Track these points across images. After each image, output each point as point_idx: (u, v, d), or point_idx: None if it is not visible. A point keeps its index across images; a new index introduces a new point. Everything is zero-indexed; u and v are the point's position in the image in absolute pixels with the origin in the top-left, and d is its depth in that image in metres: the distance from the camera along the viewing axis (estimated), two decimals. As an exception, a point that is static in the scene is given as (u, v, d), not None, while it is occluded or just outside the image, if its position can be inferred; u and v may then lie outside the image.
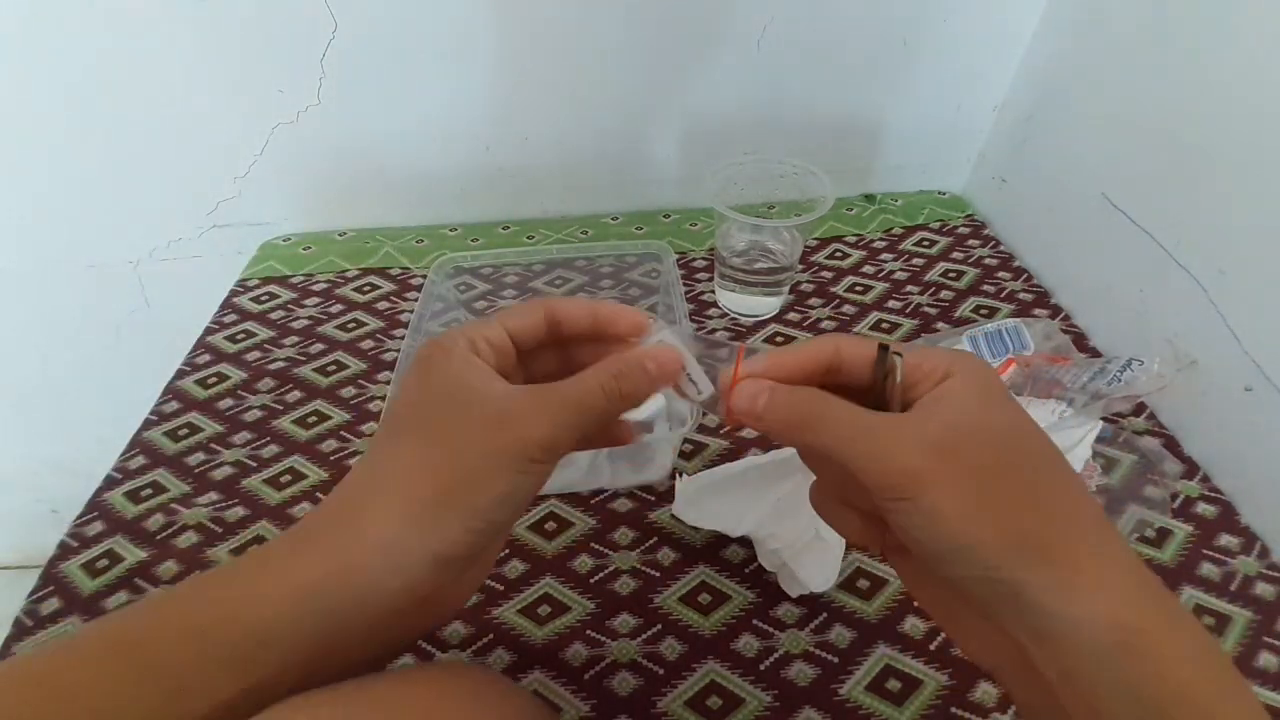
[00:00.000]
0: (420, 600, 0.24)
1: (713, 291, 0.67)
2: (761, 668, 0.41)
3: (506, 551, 0.47)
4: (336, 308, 0.67)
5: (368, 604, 0.23)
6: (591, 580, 0.46)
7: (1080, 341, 0.61)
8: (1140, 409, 0.55)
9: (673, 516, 0.48)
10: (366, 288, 0.69)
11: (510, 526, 0.26)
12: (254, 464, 0.53)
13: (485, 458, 0.24)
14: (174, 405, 0.58)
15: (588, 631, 0.43)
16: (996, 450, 0.23)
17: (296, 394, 0.58)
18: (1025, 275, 0.69)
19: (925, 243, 0.74)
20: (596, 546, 0.48)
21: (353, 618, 0.23)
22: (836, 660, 0.41)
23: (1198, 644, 0.21)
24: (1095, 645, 0.20)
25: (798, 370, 0.26)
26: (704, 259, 0.72)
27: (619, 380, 0.26)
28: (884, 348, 0.26)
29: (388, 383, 0.50)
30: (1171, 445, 0.52)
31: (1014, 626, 0.22)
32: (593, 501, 0.50)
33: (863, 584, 0.45)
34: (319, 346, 0.63)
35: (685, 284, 0.68)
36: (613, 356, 0.27)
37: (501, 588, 0.45)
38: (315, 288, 0.69)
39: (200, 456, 0.54)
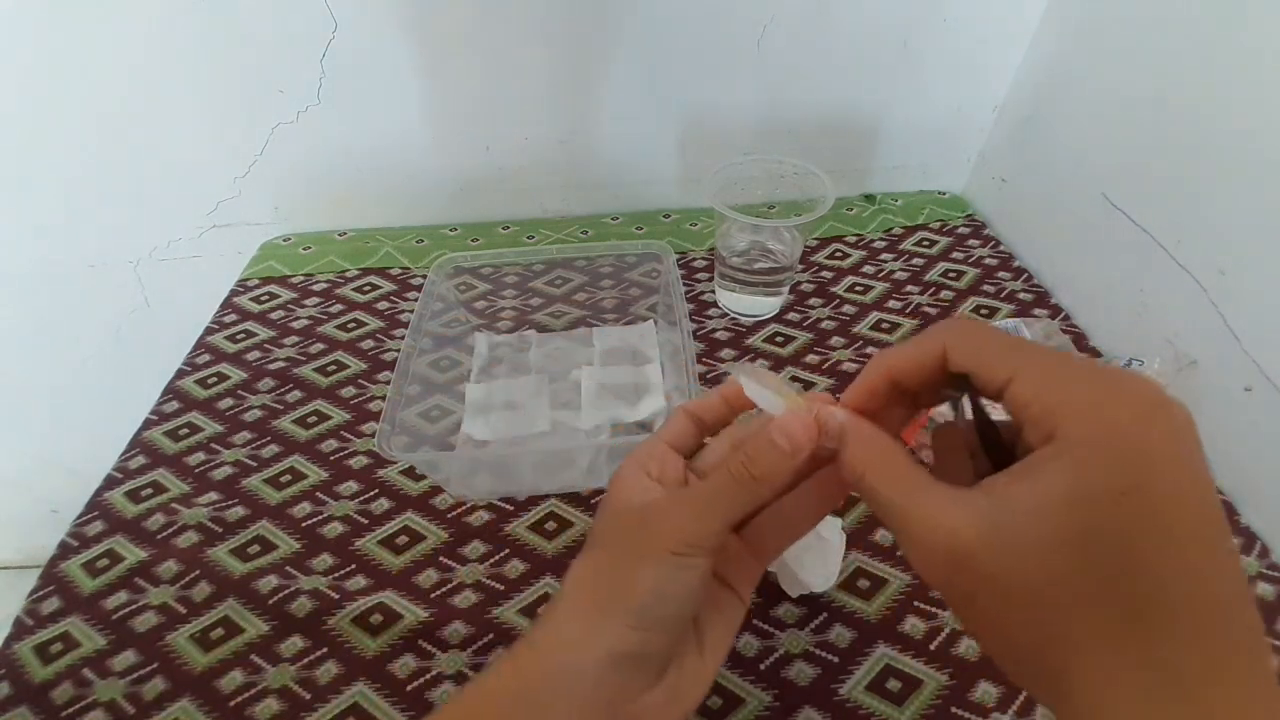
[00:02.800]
0: (612, 705, 0.25)
1: (713, 291, 0.67)
2: (761, 667, 0.41)
3: (507, 551, 0.47)
4: (336, 308, 0.67)
5: (561, 704, 0.25)
6: (591, 580, 0.46)
7: (1080, 341, 0.61)
8: (1140, 409, 0.55)
9: (673, 516, 0.48)
10: (366, 288, 0.69)
11: (683, 626, 0.27)
12: (254, 464, 0.53)
13: (633, 558, 0.26)
14: (174, 405, 0.58)
15: (588, 631, 0.43)
16: (1054, 571, 0.18)
17: (296, 394, 0.58)
18: (1025, 275, 0.69)
19: (925, 243, 0.74)
20: (596, 546, 0.47)
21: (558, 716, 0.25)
22: (836, 660, 0.41)
23: None
24: None
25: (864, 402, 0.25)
26: (704, 259, 0.72)
27: (749, 464, 0.26)
28: (960, 384, 0.22)
29: (388, 383, 0.50)
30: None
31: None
32: (593, 501, 0.50)
33: (863, 584, 0.45)
34: (319, 346, 0.63)
35: (685, 284, 0.67)
36: (745, 439, 0.27)
37: (502, 587, 0.45)
38: (315, 288, 0.69)
39: (200, 456, 0.54)
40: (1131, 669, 0.18)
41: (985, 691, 0.40)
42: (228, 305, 0.67)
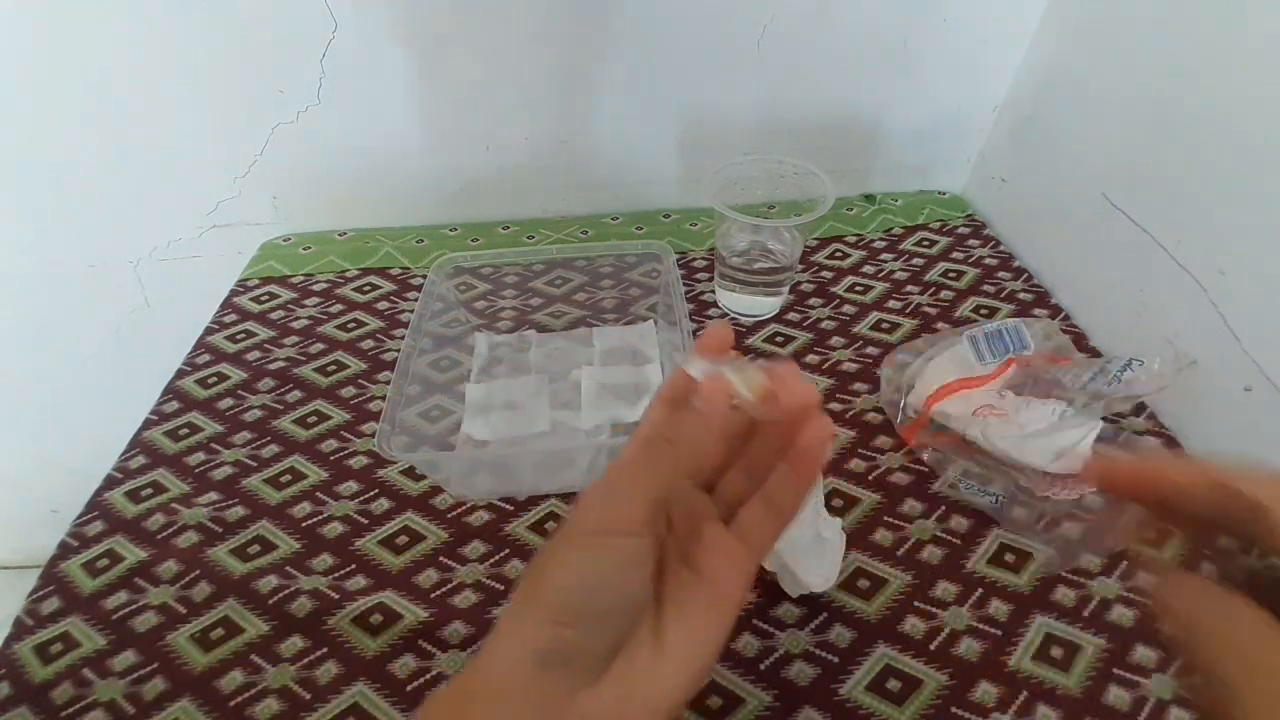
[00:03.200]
0: (545, 707, 0.23)
1: (713, 291, 0.67)
2: (761, 667, 0.41)
3: (507, 551, 0.47)
4: (336, 308, 0.67)
5: (494, 711, 0.23)
6: (591, 580, 0.46)
7: (1080, 341, 0.61)
8: (1140, 409, 0.55)
9: (673, 516, 0.48)
10: (366, 288, 0.69)
11: (619, 617, 0.25)
12: (254, 464, 0.53)
13: (551, 549, 0.25)
14: (174, 405, 0.58)
15: (588, 631, 0.43)
16: None
17: (296, 394, 0.58)
18: (1025, 275, 0.69)
19: (925, 243, 0.74)
20: (596, 546, 0.47)
21: None
22: (836, 660, 0.41)
23: None
24: None
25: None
26: (704, 259, 0.72)
27: (658, 425, 0.25)
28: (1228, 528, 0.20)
29: (388, 383, 0.50)
30: (1171, 445, 0.52)
31: None
32: (593, 501, 0.50)
33: (863, 584, 0.45)
34: (319, 346, 0.63)
35: (685, 284, 0.67)
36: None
37: (502, 588, 0.45)
38: (315, 288, 0.69)
39: (200, 456, 0.54)
40: None
41: (985, 691, 0.40)
42: (228, 305, 0.67)
